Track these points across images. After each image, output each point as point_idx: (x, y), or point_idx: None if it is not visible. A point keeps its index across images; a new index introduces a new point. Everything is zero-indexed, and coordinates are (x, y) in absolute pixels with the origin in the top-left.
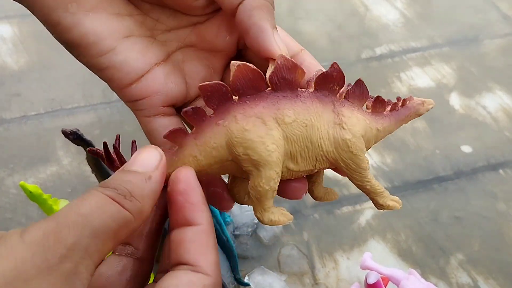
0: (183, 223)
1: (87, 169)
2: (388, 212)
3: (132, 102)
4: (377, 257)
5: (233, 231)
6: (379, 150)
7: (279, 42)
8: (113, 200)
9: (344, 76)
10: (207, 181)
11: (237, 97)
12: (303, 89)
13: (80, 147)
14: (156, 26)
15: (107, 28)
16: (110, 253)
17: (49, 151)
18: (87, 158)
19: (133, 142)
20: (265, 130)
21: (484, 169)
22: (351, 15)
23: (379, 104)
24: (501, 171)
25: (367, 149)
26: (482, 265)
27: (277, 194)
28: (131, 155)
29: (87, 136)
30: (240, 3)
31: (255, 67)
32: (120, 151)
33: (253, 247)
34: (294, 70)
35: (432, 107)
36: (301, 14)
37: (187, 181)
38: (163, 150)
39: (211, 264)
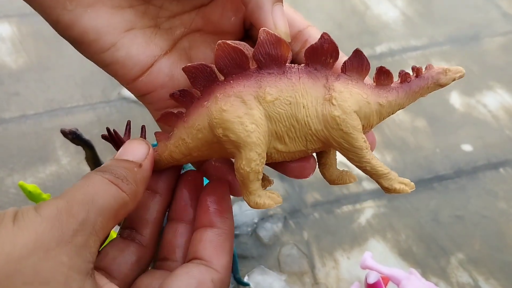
0: (207, 225)
1: (86, 168)
2: (389, 211)
3: (141, 97)
4: (378, 257)
5: None
6: (379, 149)
7: (278, 18)
8: (112, 182)
9: (337, 47)
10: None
11: (223, 78)
12: (292, 65)
13: (79, 146)
14: (160, 13)
15: (107, 23)
16: (114, 235)
17: (48, 150)
18: (86, 157)
19: (143, 127)
20: (244, 110)
21: (485, 168)
22: (351, 14)
23: (383, 75)
24: (501, 170)
25: (370, 127)
26: (483, 264)
27: (283, 173)
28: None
29: (86, 136)
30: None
31: (237, 44)
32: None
33: (252, 247)
34: (279, 45)
35: (460, 76)
36: (302, 12)
37: (220, 191)
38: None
39: (223, 264)
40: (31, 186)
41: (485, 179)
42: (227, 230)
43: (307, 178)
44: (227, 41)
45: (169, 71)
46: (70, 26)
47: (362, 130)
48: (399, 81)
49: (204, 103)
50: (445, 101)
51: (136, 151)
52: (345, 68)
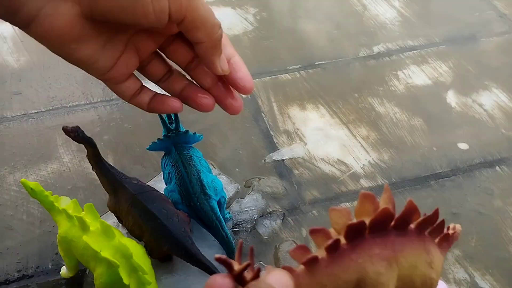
0: None
1: (88, 166)
2: None
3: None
4: None
5: (232, 228)
6: (377, 147)
7: (224, 63)
8: None
9: (443, 224)
10: None
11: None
12: (410, 227)
13: (80, 144)
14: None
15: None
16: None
17: (50, 148)
18: (87, 155)
19: (251, 250)
20: (391, 274)
21: (481, 166)
22: (349, 14)
23: (445, 241)
24: (497, 168)
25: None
26: (479, 260)
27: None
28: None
29: (88, 134)
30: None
31: (393, 210)
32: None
33: (252, 243)
34: (415, 214)
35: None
36: (300, 13)
37: None
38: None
39: None
40: (33, 184)
41: (481, 177)
42: None
43: (306, 176)
44: (387, 206)
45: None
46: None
47: None
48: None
49: (353, 257)
50: (442, 100)
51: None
52: (432, 232)
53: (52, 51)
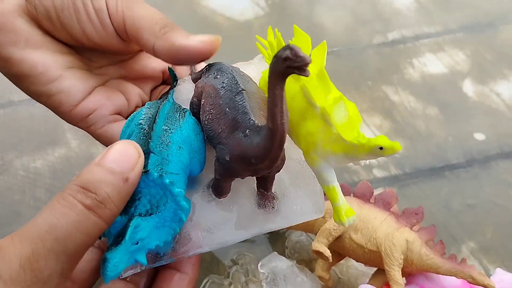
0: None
1: (95, 151)
2: (399, 199)
3: (83, 120)
4: None
5: None
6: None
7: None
8: (92, 210)
9: (423, 216)
10: None
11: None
12: (393, 212)
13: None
14: (90, 64)
15: (52, 60)
16: None
17: (58, 133)
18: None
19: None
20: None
21: (497, 157)
22: (363, 0)
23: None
24: None
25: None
26: (494, 253)
27: None
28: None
29: None
30: (153, 46)
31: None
32: None
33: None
34: (394, 198)
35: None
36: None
37: None
38: None
39: None
40: None
41: (498, 168)
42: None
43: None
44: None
45: (106, 95)
46: (21, 61)
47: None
48: (448, 257)
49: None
50: (458, 89)
51: (126, 158)
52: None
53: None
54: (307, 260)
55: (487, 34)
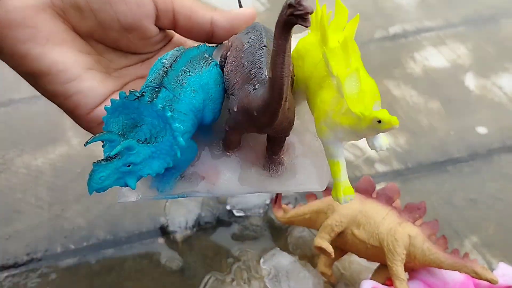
0: None
1: (97, 149)
2: (402, 194)
3: (100, 126)
4: None
5: (245, 212)
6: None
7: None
8: None
9: (425, 211)
10: None
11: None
12: (395, 207)
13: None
14: (110, 65)
15: (73, 59)
16: None
17: (59, 131)
18: None
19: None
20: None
21: (500, 150)
22: None
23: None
24: None
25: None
26: (497, 248)
27: None
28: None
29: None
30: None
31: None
32: None
33: (264, 228)
34: (397, 193)
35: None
36: None
37: None
38: None
39: None
40: None
41: (500, 162)
42: None
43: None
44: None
45: None
46: (40, 57)
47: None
48: (451, 252)
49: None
50: (460, 83)
51: None
52: (421, 224)
53: None
54: (309, 256)
55: (489, 28)
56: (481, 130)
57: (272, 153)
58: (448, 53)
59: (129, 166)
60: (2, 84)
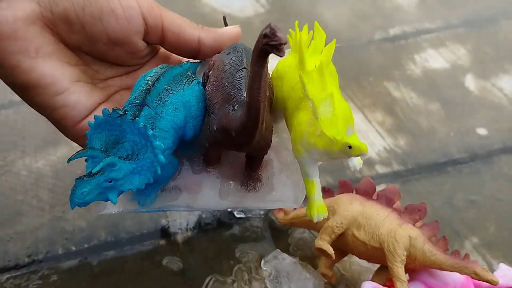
0: None
1: None
2: (402, 195)
3: (83, 138)
4: None
5: (246, 213)
6: (392, 133)
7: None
8: None
9: (425, 212)
10: None
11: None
12: (396, 208)
13: None
14: (96, 76)
15: (61, 71)
16: None
17: (59, 133)
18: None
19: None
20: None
21: (500, 151)
22: None
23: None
24: None
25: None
26: (498, 248)
27: None
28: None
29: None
30: (198, 37)
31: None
32: None
33: (265, 230)
34: (397, 195)
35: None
36: None
37: None
38: None
39: None
40: None
41: (500, 163)
42: None
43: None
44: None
45: None
46: (30, 70)
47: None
48: (452, 253)
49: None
50: (460, 84)
51: None
52: (421, 226)
53: None
54: (310, 257)
55: (489, 29)
56: (481, 131)
57: (251, 169)
58: (448, 54)
59: (110, 181)
60: (2, 85)
